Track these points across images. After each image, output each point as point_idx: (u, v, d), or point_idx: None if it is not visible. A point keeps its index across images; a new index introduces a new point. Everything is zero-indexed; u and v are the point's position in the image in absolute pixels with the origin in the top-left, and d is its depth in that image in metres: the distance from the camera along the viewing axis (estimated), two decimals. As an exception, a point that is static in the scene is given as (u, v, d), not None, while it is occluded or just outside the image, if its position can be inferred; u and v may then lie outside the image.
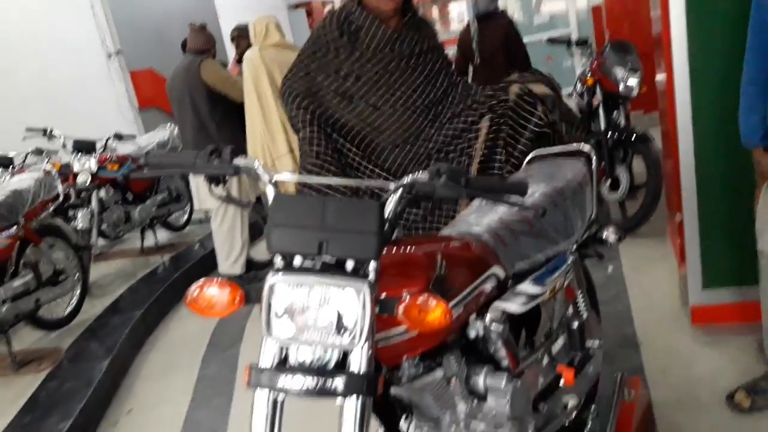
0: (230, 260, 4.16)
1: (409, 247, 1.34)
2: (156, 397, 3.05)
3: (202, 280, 1.08)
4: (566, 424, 1.68)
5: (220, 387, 2.97)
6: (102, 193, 4.71)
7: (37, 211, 3.57)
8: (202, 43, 4.09)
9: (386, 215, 1.09)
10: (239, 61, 4.25)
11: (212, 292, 1.07)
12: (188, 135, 4.13)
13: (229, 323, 3.71)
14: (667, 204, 3.37)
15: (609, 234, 1.87)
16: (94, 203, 4.56)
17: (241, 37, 4.31)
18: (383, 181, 1.21)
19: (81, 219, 4.38)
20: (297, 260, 1.06)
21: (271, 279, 1.04)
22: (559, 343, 1.72)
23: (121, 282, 4.54)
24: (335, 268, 1.05)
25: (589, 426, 1.76)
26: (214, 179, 1.18)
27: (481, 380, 1.39)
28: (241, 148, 3.68)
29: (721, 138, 2.39)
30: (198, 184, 4.16)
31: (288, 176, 1.23)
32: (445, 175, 1.11)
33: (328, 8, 13.30)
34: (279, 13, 11.60)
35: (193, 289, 1.07)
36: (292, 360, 1.06)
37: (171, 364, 3.39)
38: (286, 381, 1.02)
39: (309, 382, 1.02)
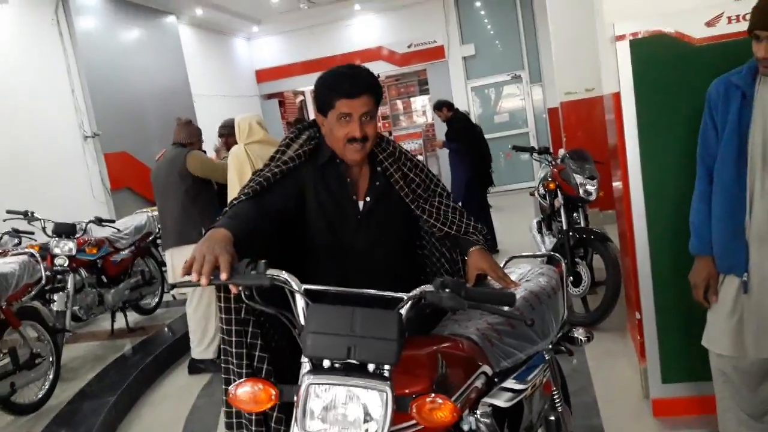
0: (203, 345, 4.24)
1: (414, 347, 1.52)
2: (132, 488, 3.03)
3: (243, 379, 1.24)
4: None
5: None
6: (78, 275, 4.76)
7: (19, 294, 3.63)
8: (187, 136, 4.32)
9: (403, 323, 1.27)
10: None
11: (250, 390, 1.22)
12: (169, 221, 4.28)
13: (203, 410, 3.73)
14: (626, 300, 3.62)
15: (579, 334, 2.10)
16: (70, 286, 4.59)
17: (229, 135, 4.57)
18: (393, 293, 1.39)
19: (58, 302, 4.40)
20: (326, 363, 1.22)
21: (308, 379, 1.20)
22: (539, 435, 1.90)
23: (91, 366, 4.51)
24: (359, 369, 1.22)
25: None
26: (249, 288, 1.35)
27: (473, 469, 1.54)
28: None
29: (676, 242, 2.61)
30: (173, 262, 4.25)
31: (316, 287, 1.39)
32: (449, 287, 1.30)
33: (299, 99, 13.88)
34: (253, 101, 12.12)
35: (234, 388, 1.22)
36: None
37: (146, 453, 3.37)
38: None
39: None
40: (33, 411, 3.70)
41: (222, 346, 1.66)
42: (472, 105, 11.72)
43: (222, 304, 1.62)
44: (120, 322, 5.28)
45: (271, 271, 1.33)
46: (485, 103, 11.99)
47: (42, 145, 6.72)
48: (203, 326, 4.22)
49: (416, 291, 1.32)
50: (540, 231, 4.98)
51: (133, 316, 5.51)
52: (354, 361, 1.21)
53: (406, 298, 1.32)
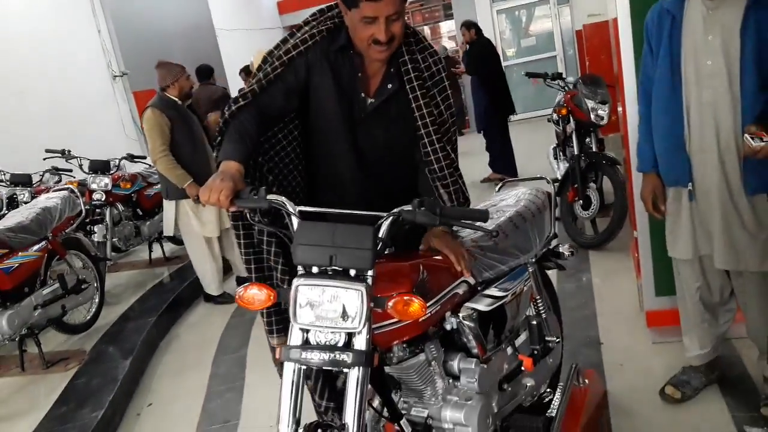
0: (205, 282, 4.54)
1: (399, 259, 1.72)
2: (173, 392, 3.41)
3: (247, 283, 1.47)
4: (528, 403, 2.06)
5: (231, 383, 3.33)
6: (115, 209, 5.10)
7: (63, 226, 3.94)
8: (162, 79, 4.25)
9: (380, 236, 1.47)
10: None
11: (253, 292, 1.46)
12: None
13: (237, 329, 4.07)
14: (631, 221, 3.76)
15: (564, 249, 2.29)
16: (108, 218, 4.94)
17: (249, 74, 4.69)
18: (377, 213, 1.57)
19: (98, 233, 4.76)
20: (314, 269, 1.44)
21: (296, 282, 1.42)
22: (522, 337, 2.12)
23: (132, 291, 4.90)
24: (342, 275, 1.43)
25: (549, 407, 2.14)
26: (253, 210, 1.56)
27: (455, 364, 1.78)
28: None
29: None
30: (166, 213, 4.40)
31: (309, 208, 1.60)
32: (425, 206, 1.48)
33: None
34: (276, 34, 12.07)
35: (240, 290, 1.46)
36: (312, 341, 1.42)
37: (184, 365, 3.74)
38: (308, 355, 1.39)
39: (324, 356, 1.39)
40: (83, 331, 4.10)
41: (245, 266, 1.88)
42: (497, 29, 11.46)
43: (241, 232, 1.83)
44: (157, 252, 5.65)
45: (270, 196, 1.53)
46: (512, 26, 11.70)
47: (74, 87, 6.94)
48: (201, 268, 4.49)
49: (395, 210, 1.50)
50: (556, 156, 5.07)
51: (169, 246, 5.87)
52: (338, 268, 1.42)
53: (385, 216, 1.50)
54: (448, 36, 13.22)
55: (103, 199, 4.91)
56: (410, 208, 1.48)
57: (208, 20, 9.40)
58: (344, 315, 1.39)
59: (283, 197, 1.53)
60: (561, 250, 2.30)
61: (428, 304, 1.53)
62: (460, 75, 9.80)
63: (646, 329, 3.04)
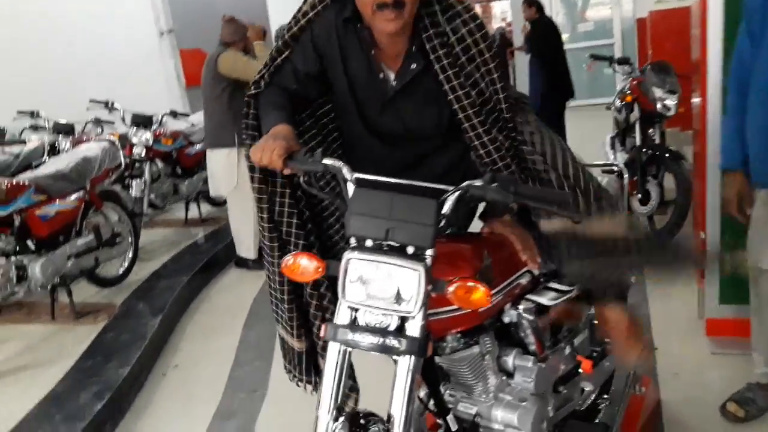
0: (243, 246, 4.42)
1: (462, 241, 1.56)
2: (200, 355, 3.33)
3: (295, 252, 1.33)
4: (582, 408, 1.89)
5: (260, 351, 3.23)
6: (155, 165, 5.03)
7: (101, 177, 3.87)
8: (228, 35, 4.16)
9: (444, 212, 1.30)
10: None
11: (302, 262, 1.31)
12: (207, 122, 4.32)
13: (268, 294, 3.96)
14: (695, 222, 3.51)
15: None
16: (147, 174, 4.87)
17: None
18: (442, 185, 1.40)
19: (135, 188, 4.70)
20: (368, 242, 1.28)
21: (348, 255, 1.27)
22: (581, 337, 1.93)
23: (166, 249, 4.85)
24: (399, 252, 1.27)
25: (602, 413, 1.96)
26: (307, 173, 1.42)
27: (510, 360, 1.62)
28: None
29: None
30: (209, 164, 4.31)
31: (365, 176, 1.44)
32: (497, 182, 1.31)
33: None
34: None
35: (288, 258, 1.32)
36: (361, 321, 1.27)
37: (214, 328, 3.66)
38: (355, 337, 1.24)
39: (373, 339, 1.24)
40: (115, 284, 4.06)
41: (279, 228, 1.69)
42: (554, 11, 11.03)
43: (265, 205, 1.62)
44: (193, 212, 5.59)
45: (326, 160, 1.38)
46: (569, 9, 11.27)
47: (120, 41, 6.86)
48: (243, 229, 4.36)
49: (464, 184, 1.34)
50: (613, 147, 4.80)
51: (206, 207, 5.80)
52: (394, 243, 1.26)
53: (452, 190, 1.34)
54: (501, 19, 12.82)
55: (143, 154, 4.84)
56: (480, 183, 1.30)
57: (258, -22, 9.22)
58: (398, 297, 1.24)
59: (341, 161, 1.38)
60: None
61: (492, 293, 1.36)
62: (512, 56, 9.47)
63: (705, 338, 2.83)
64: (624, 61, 4.52)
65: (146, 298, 3.81)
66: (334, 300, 1.45)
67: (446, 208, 1.30)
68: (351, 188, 1.35)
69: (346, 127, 1.72)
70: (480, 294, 1.27)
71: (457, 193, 1.31)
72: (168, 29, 7.59)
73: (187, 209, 5.55)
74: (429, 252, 1.26)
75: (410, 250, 1.26)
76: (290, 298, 1.68)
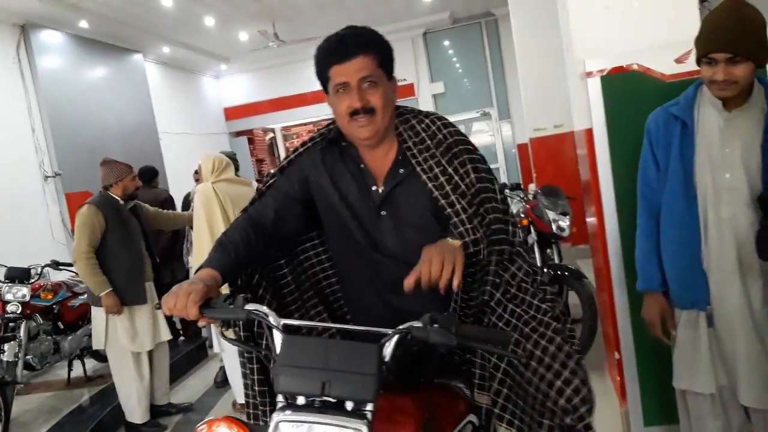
0: (129, 408, 3.98)
1: (400, 392, 1.41)
2: None
3: (210, 418, 1.14)
4: None
5: None
6: (32, 322, 4.51)
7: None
8: (104, 177, 4.05)
9: (385, 358, 1.17)
10: None
11: (221, 430, 1.11)
12: None
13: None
14: (604, 339, 3.55)
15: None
16: (22, 334, 4.33)
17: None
18: (380, 329, 1.29)
19: (8, 351, 4.13)
20: (300, 399, 1.12)
21: (276, 417, 1.09)
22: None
23: (44, 419, 4.26)
24: (336, 407, 1.11)
25: None
26: (226, 323, 1.26)
27: None
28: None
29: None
30: (96, 323, 3.94)
31: (295, 321, 1.30)
32: (438, 323, 1.20)
33: (269, 136, 13.81)
34: (221, 139, 12.01)
35: (203, 427, 1.12)
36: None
37: None
38: None
39: None
40: (-23, 473, 3.43)
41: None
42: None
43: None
44: (77, 370, 5.01)
45: (250, 306, 1.24)
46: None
47: (2, 186, 6.48)
48: (123, 391, 3.97)
49: (403, 326, 1.22)
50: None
51: (91, 363, 5.23)
52: (330, 399, 1.10)
53: (391, 332, 1.22)
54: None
55: (18, 312, 4.33)
56: (420, 325, 1.20)
57: (150, 122, 9.20)
58: None
59: (266, 308, 1.24)
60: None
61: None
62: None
63: (636, 464, 2.74)
64: (516, 186, 4.76)
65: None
66: None
67: (387, 353, 1.18)
68: (278, 337, 1.20)
69: (344, 250, 1.66)
70: None
71: (396, 337, 1.20)
72: (54, 173, 7.26)
73: (70, 368, 4.96)
74: (369, 407, 1.12)
75: (349, 405, 1.11)
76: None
